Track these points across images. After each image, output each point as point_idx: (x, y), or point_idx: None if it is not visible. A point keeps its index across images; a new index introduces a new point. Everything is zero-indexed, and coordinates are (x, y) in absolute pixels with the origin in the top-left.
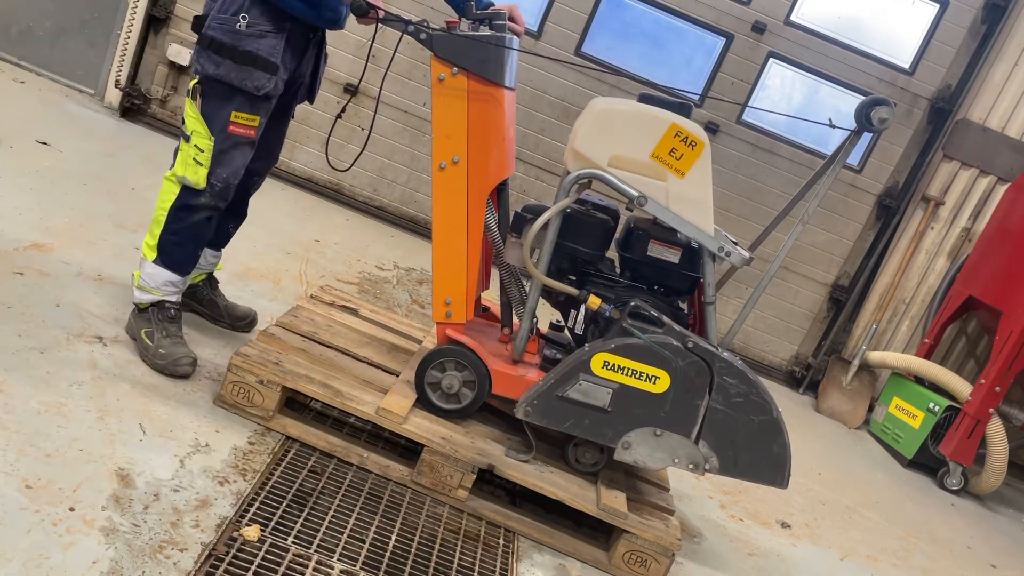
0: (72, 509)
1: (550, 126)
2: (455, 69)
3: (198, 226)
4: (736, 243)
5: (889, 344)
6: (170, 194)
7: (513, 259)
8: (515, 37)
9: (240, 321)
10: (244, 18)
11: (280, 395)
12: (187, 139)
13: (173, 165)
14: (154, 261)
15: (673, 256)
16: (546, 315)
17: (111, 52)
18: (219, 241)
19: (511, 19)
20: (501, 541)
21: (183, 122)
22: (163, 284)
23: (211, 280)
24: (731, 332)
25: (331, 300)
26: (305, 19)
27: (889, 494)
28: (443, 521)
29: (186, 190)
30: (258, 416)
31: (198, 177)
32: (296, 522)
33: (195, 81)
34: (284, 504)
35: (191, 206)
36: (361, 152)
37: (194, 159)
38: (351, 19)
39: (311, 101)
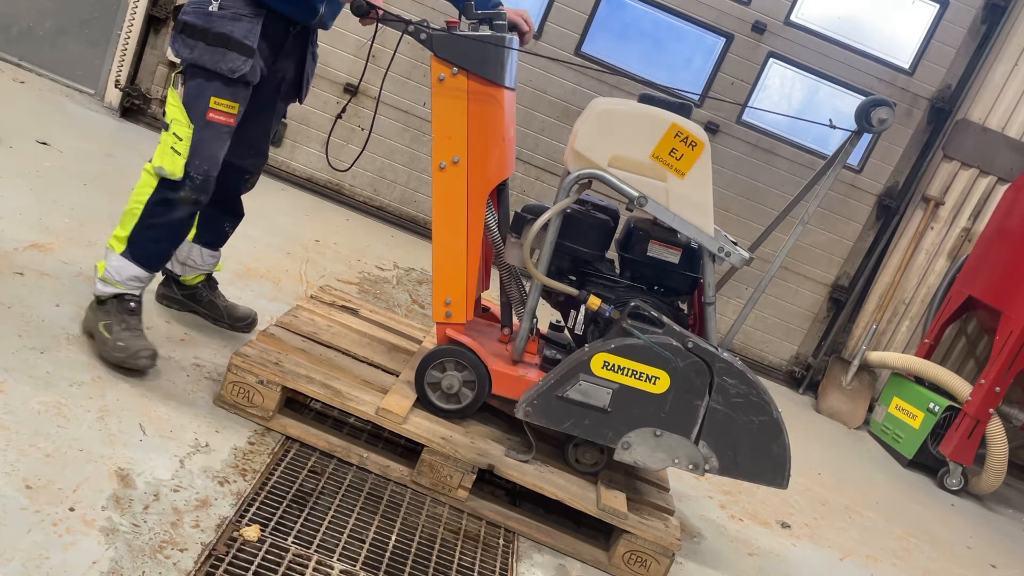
0: (72, 509)
1: (550, 126)
2: (455, 69)
3: (176, 224)
4: (736, 243)
5: (889, 344)
6: (148, 187)
7: (513, 259)
8: (515, 37)
9: (240, 322)
10: (216, 1)
11: (280, 395)
12: (167, 128)
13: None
14: (122, 254)
15: (673, 256)
16: (546, 315)
17: (111, 52)
18: (216, 241)
19: (523, 21)
20: (501, 541)
21: (164, 112)
22: (128, 279)
23: (210, 281)
24: (731, 332)
25: (331, 300)
26: (279, 10)
27: (889, 494)
28: (443, 521)
29: (164, 183)
30: (258, 416)
31: (175, 167)
32: (296, 522)
33: (179, 70)
34: (284, 504)
35: (170, 200)
36: (361, 152)
37: (172, 148)
38: (351, 19)
39: (300, 100)
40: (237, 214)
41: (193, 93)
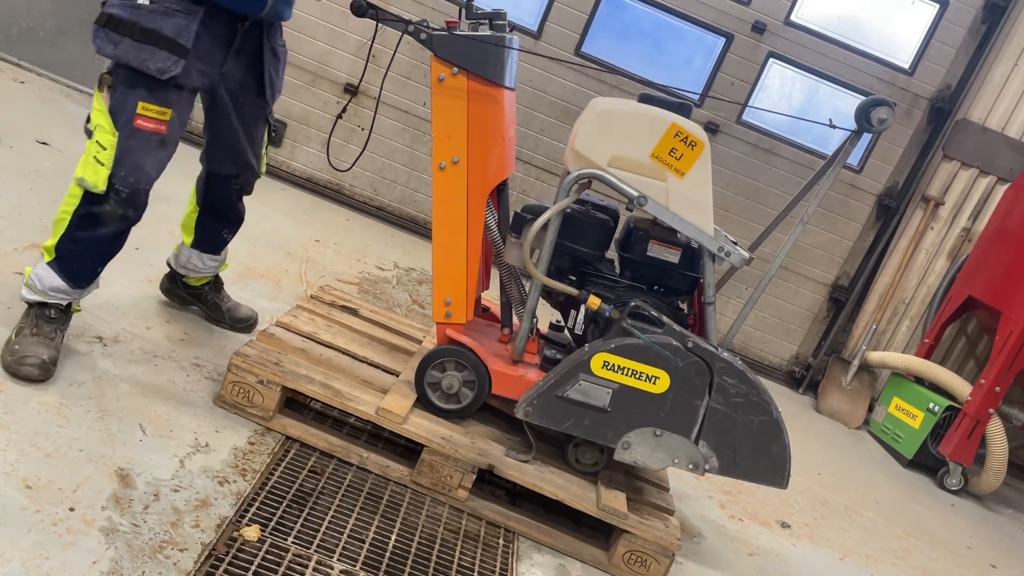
0: (72, 509)
1: (550, 126)
2: (455, 69)
3: (102, 240)
4: (736, 243)
5: (889, 344)
6: (74, 198)
7: (513, 259)
8: (515, 37)
9: (241, 323)
10: None
11: (280, 395)
12: (90, 135)
13: None
14: (49, 263)
15: (673, 256)
16: (546, 315)
17: None
18: (215, 247)
19: None
20: (501, 541)
21: (88, 119)
22: (50, 289)
23: (216, 282)
24: (731, 332)
25: (331, 300)
26: (221, 3)
27: (889, 494)
28: (443, 521)
29: (88, 196)
30: (258, 416)
31: (98, 179)
32: (296, 522)
33: (105, 71)
34: (284, 504)
35: (95, 215)
36: (361, 152)
37: (95, 157)
38: (351, 19)
39: (269, 102)
40: (234, 220)
41: (119, 97)
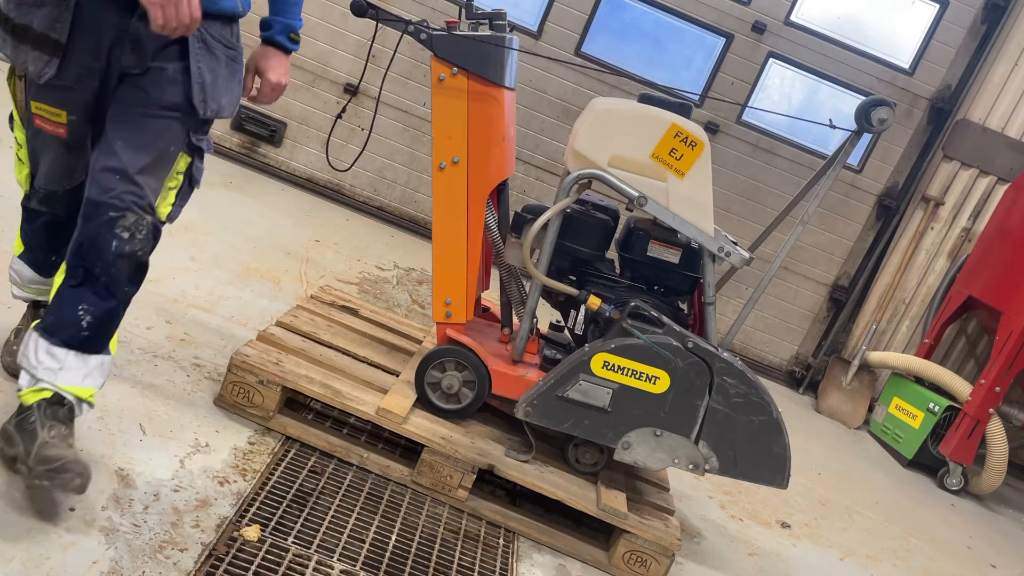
0: (72, 509)
1: (550, 126)
2: (455, 69)
3: (44, 231)
4: (736, 243)
5: (889, 344)
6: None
7: (513, 259)
8: (515, 37)
9: (45, 474)
10: None
11: (280, 395)
12: (11, 129)
13: None
14: (20, 256)
15: (673, 256)
16: (546, 315)
17: None
18: (62, 330)
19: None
20: (501, 541)
21: (10, 114)
22: (29, 282)
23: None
24: (731, 332)
25: (331, 300)
26: None
27: (889, 494)
28: (443, 521)
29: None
30: (258, 416)
31: (21, 177)
32: (296, 522)
33: None
34: (284, 504)
35: (30, 209)
36: (361, 152)
37: (17, 155)
38: (351, 19)
39: (199, 109)
40: (106, 293)
41: (25, 93)
